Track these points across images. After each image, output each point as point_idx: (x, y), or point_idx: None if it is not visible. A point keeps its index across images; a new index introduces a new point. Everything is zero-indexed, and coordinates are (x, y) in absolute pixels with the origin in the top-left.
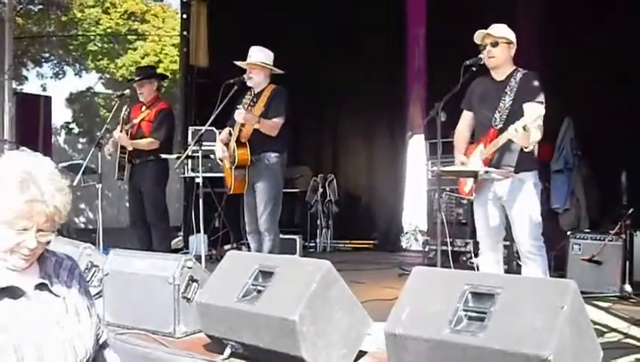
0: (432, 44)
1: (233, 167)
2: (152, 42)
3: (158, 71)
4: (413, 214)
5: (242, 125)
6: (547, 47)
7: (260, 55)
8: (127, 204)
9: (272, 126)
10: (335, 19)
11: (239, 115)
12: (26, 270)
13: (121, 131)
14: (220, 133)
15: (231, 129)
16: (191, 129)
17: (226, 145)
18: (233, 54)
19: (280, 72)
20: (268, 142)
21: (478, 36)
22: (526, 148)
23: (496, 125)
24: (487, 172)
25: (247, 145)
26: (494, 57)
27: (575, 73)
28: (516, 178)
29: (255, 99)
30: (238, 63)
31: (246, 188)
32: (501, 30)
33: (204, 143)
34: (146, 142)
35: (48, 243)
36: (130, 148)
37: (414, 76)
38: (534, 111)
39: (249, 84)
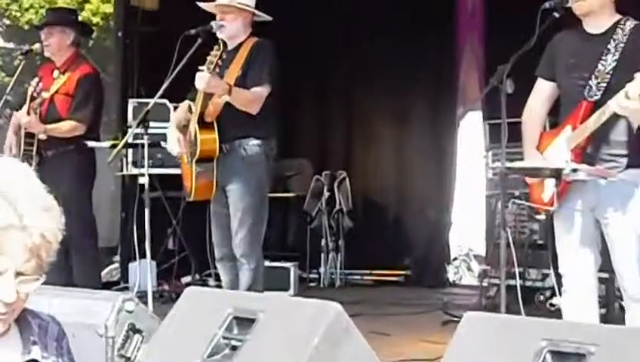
0: None
1: (194, 161)
2: None
3: (83, 18)
4: (465, 231)
5: (207, 97)
6: None
7: None
8: None
9: (252, 98)
10: None
11: (201, 79)
12: (1, 339)
13: (28, 112)
14: (174, 109)
15: (191, 104)
16: (132, 102)
17: (184, 128)
18: None
19: (267, 18)
20: (246, 123)
21: None
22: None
23: (591, 97)
24: (575, 170)
25: (215, 128)
26: (585, 1)
27: None
28: (621, 179)
29: (227, 59)
30: (203, 5)
31: (214, 192)
32: None
33: (151, 125)
34: (68, 127)
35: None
36: (42, 137)
37: (467, 27)
38: None
39: (219, 35)
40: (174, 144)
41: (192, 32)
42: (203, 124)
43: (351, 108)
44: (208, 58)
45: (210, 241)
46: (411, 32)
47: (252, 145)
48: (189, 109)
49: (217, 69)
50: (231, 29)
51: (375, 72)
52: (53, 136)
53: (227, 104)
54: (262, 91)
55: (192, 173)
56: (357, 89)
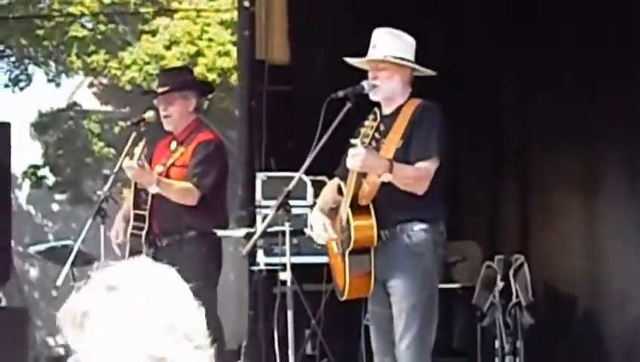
0: None
1: (347, 253)
2: (186, 20)
3: (197, 74)
4: None
5: (361, 175)
6: None
7: (393, 44)
8: None
9: (418, 176)
10: None
11: (355, 157)
12: None
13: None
14: (312, 184)
15: (341, 183)
16: (260, 176)
17: (331, 211)
18: (337, 43)
19: (429, 73)
20: (409, 204)
21: None
22: None
23: None
24: None
25: (371, 212)
26: None
27: None
28: None
29: (384, 127)
30: (351, 61)
31: (371, 288)
32: None
33: (291, 204)
34: (183, 187)
35: None
36: (153, 191)
37: None
38: None
39: (373, 97)
40: (321, 230)
41: (340, 94)
42: (357, 208)
43: (527, 177)
44: (362, 130)
45: (368, 349)
46: (601, 73)
47: (417, 230)
48: (339, 190)
49: (374, 143)
50: (387, 90)
51: (556, 123)
52: (167, 198)
53: (386, 184)
54: (429, 166)
55: (344, 267)
56: (533, 153)
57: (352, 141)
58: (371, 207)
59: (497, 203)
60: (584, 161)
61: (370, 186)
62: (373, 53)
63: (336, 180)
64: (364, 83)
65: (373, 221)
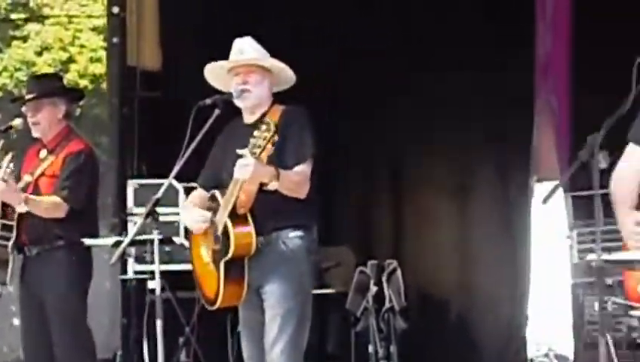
0: (579, 21)
1: (223, 262)
2: (57, 26)
3: (69, 80)
4: (545, 328)
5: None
6: None
7: (259, 50)
8: (20, 330)
9: (300, 180)
10: None
11: (244, 168)
12: None
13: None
14: (185, 191)
15: (216, 193)
16: (132, 184)
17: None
18: (209, 50)
19: (290, 81)
20: (285, 210)
21: None
22: None
23: None
24: None
25: (249, 220)
26: None
27: None
28: None
29: (249, 134)
30: (217, 65)
31: (244, 295)
32: None
33: (159, 211)
34: (50, 203)
35: None
36: (21, 209)
37: (544, 79)
38: None
39: (241, 104)
40: (198, 215)
41: (208, 101)
42: (235, 217)
43: (400, 182)
44: (252, 141)
45: (237, 355)
46: (475, 80)
47: (292, 237)
48: (212, 199)
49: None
50: (257, 96)
51: (428, 135)
52: (34, 214)
53: (263, 192)
54: (307, 169)
55: (218, 276)
56: (406, 159)
57: (240, 151)
58: (249, 215)
59: (370, 208)
60: (456, 167)
61: (246, 195)
62: (242, 58)
63: (201, 191)
64: (233, 89)
65: (251, 229)
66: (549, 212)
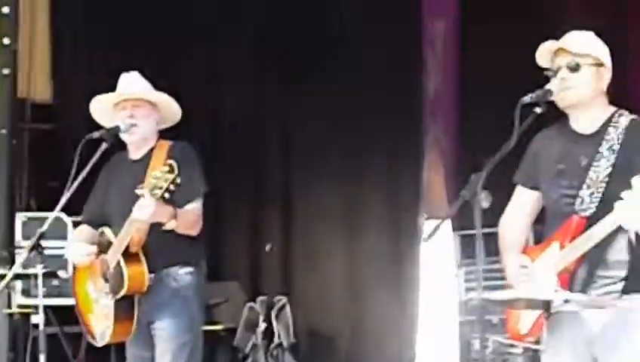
0: (467, 61)
1: (114, 300)
2: None
3: None
4: None
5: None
6: None
7: (146, 84)
8: None
9: (194, 219)
10: (281, 20)
11: (145, 209)
12: None
13: None
14: (74, 225)
15: (107, 230)
16: (20, 217)
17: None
18: (99, 82)
19: (176, 116)
20: (175, 247)
21: (543, 53)
22: None
23: (584, 210)
24: (567, 301)
25: (142, 259)
26: (573, 89)
27: None
28: (622, 307)
29: (136, 170)
30: (104, 97)
31: (133, 331)
32: (585, 42)
33: (45, 245)
34: None
35: None
36: None
37: (433, 117)
38: None
39: (127, 138)
40: (83, 249)
41: (96, 134)
42: (128, 256)
43: (290, 218)
44: (152, 181)
45: None
46: (365, 116)
47: (183, 273)
48: (101, 234)
49: (167, 195)
50: (145, 130)
51: (319, 170)
52: None
53: (155, 231)
54: (199, 207)
55: (107, 312)
56: (296, 194)
57: (139, 192)
58: (141, 253)
59: (260, 244)
60: (345, 203)
61: (139, 234)
62: (129, 91)
63: (86, 226)
64: (120, 123)
65: (144, 268)
66: (438, 250)
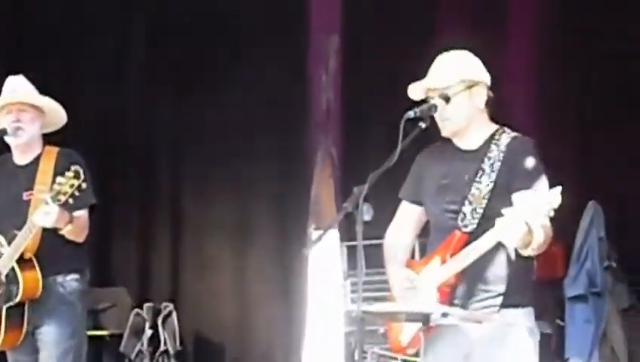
0: (350, 71)
1: (6, 308)
2: None
3: None
4: None
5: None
6: (560, 71)
7: (30, 89)
8: None
9: (83, 225)
10: (174, 15)
11: (47, 215)
12: None
13: None
14: None
15: None
16: None
17: None
18: None
19: (61, 121)
20: (62, 254)
21: (413, 91)
22: (526, 253)
23: (465, 226)
24: (445, 314)
25: (35, 265)
26: (449, 120)
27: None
28: (499, 321)
29: (22, 177)
30: None
31: (22, 339)
32: (449, 70)
33: None
34: None
35: None
36: None
37: (320, 130)
38: (536, 204)
39: (15, 141)
40: None
41: None
42: (23, 262)
43: (178, 225)
44: (56, 187)
45: None
46: (254, 129)
47: (69, 280)
48: None
49: (72, 201)
50: (30, 134)
51: (208, 180)
52: None
53: (46, 237)
54: (86, 214)
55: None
56: (185, 201)
57: (42, 196)
58: (34, 259)
59: (148, 250)
60: (235, 211)
61: (33, 239)
62: (15, 96)
63: None
64: (7, 126)
65: (38, 274)
66: (325, 260)
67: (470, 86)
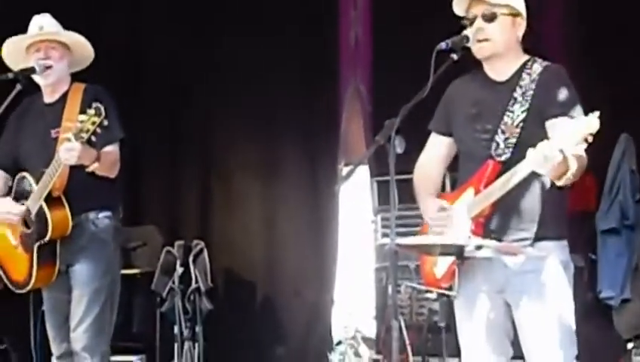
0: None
1: (37, 246)
2: None
3: None
4: (352, 310)
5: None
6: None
7: (58, 26)
8: None
9: (115, 160)
10: None
11: (70, 152)
12: None
13: None
14: None
15: (27, 176)
16: None
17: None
18: (7, 24)
19: (89, 58)
20: (94, 191)
21: (459, 1)
22: (561, 183)
23: (499, 155)
24: (479, 247)
25: (64, 203)
26: (489, 40)
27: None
28: (533, 254)
29: (51, 113)
30: (21, 38)
31: (55, 276)
32: None
33: None
34: None
35: None
36: None
37: (350, 66)
38: (573, 130)
39: (42, 81)
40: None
41: (10, 75)
42: (51, 200)
43: (208, 163)
44: (79, 125)
45: (39, 335)
46: (283, 66)
47: (102, 217)
48: (22, 180)
49: (94, 138)
50: (59, 72)
51: (237, 118)
52: None
53: (75, 174)
54: (116, 150)
55: (30, 258)
56: (214, 139)
57: (66, 135)
58: (63, 197)
59: (178, 189)
60: (264, 148)
61: (60, 178)
62: (43, 33)
63: (20, 174)
64: (35, 63)
65: (67, 212)
66: (355, 196)
67: (515, 14)
